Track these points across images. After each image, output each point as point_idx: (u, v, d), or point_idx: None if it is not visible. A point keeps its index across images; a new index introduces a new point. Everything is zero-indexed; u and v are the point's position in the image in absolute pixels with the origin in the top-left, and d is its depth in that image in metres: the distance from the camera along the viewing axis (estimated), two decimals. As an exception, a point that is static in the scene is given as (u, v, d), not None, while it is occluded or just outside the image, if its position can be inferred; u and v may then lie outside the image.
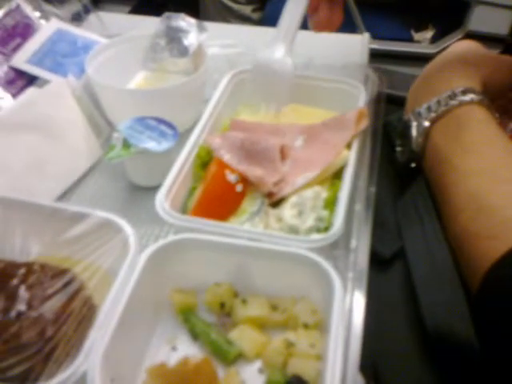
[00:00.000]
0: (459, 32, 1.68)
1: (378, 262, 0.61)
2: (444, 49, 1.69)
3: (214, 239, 0.54)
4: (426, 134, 0.66)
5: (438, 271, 0.59)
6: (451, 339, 0.53)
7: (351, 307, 0.52)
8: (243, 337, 0.53)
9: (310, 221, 0.60)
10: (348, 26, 1.28)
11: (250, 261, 0.55)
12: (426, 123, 0.66)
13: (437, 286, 0.58)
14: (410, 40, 1.72)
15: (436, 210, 0.64)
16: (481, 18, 1.64)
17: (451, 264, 0.59)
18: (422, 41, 1.76)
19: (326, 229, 0.59)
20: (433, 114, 0.65)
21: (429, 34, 1.76)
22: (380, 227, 0.63)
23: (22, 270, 0.51)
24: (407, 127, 0.68)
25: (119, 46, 0.83)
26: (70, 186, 0.72)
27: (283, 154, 0.65)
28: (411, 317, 0.57)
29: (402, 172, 0.72)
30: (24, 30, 0.80)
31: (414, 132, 0.67)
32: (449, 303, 0.56)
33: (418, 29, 1.75)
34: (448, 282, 0.58)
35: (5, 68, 0.77)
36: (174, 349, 0.53)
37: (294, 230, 0.59)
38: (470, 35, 1.62)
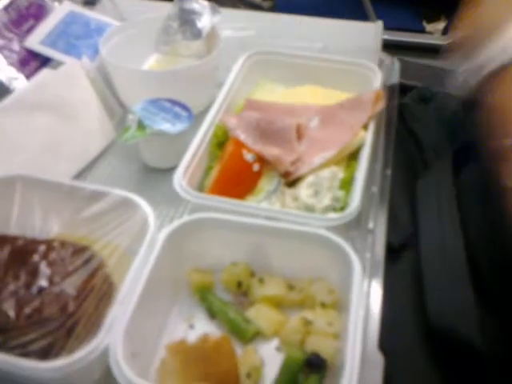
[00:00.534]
0: (472, 24, 1.66)
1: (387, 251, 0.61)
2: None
3: (232, 218, 0.54)
4: None
5: (449, 264, 0.59)
6: (455, 339, 0.53)
7: (369, 287, 0.52)
8: (260, 315, 0.53)
9: (326, 200, 0.60)
10: (360, 17, 1.27)
11: (268, 240, 0.55)
12: None
13: (446, 281, 0.58)
14: (422, 31, 1.70)
15: (458, 199, 0.63)
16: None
17: (464, 258, 0.59)
18: (433, 32, 1.75)
19: (342, 209, 0.59)
20: None
21: (441, 25, 1.75)
22: (390, 213, 0.63)
23: (43, 247, 0.51)
24: None
25: (132, 29, 0.83)
26: (84, 167, 0.72)
27: (299, 133, 0.65)
28: (417, 309, 0.57)
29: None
30: (37, 12, 0.80)
31: None
32: (456, 301, 0.55)
33: (430, 20, 1.74)
34: (458, 277, 0.58)
35: (18, 49, 0.77)
36: (191, 327, 0.54)
37: (309, 209, 0.60)
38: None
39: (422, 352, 0.54)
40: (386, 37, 0.95)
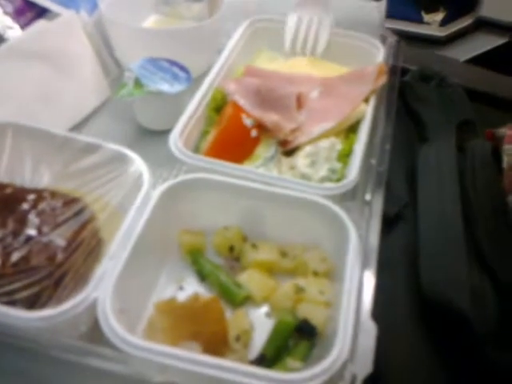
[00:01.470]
0: (469, 17, 1.66)
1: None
2: (453, 33, 1.68)
3: (228, 180, 0.53)
4: None
5: (446, 232, 0.59)
6: (446, 306, 0.53)
7: (364, 257, 0.51)
8: (251, 280, 0.52)
9: (322, 171, 0.59)
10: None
11: (263, 205, 0.54)
12: None
13: (441, 248, 0.58)
14: (420, 21, 1.69)
15: (460, 174, 0.63)
16: (493, 5, 1.62)
17: (461, 227, 0.59)
18: (431, 23, 1.73)
19: (338, 180, 0.59)
20: None
21: (439, 16, 1.74)
22: (386, 188, 0.62)
23: (32, 196, 0.49)
24: None
25: (132, -14, 0.81)
26: (78, 123, 0.70)
27: (299, 102, 0.64)
28: (410, 279, 0.57)
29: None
30: (36, -39, 0.77)
31: None
32: (450, 269, 0.55)
33: (429, 10, 1.73)
34: (454, 245, 0.58)
35: (14, -2, 0.74)
36: (181, 288, 0.53)
37: (306, 179, 0.59)
38: (481, 21, 1.61)
39: (414, 322, 0.54)
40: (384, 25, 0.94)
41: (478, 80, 0.96)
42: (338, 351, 0.42)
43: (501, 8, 1.60)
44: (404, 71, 0.84)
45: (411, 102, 0.80)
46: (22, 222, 0.47)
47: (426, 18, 1.76)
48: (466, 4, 1.66)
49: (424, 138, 0.74)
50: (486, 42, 1.64)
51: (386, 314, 0.52)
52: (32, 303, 0.43)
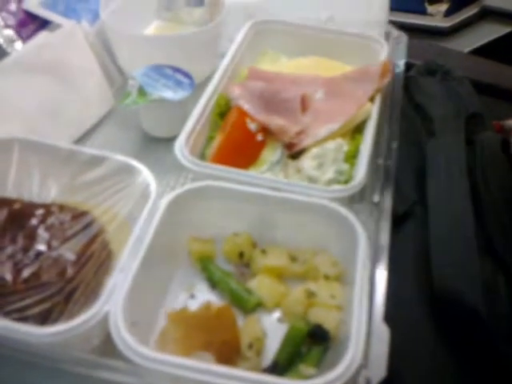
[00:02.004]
0: (474, 6, 1.64)
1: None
2: (457, 23, 1.66)
3: (235, 187, 0.53)
4: None
5: (457, 227, 0.59)
6: (458, 303, 0.52)
7: (374, 259, 0.51)
8: (262, 286, 0.52)
9: (329, 173, 0.59)
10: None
11: (271, 211, 0.54)
12: None
13: (452, 245, 0.58)
14: (424, 13, 1.68)
15: (469, 168, 0.62)
16: (497, -6, 1.61)
17: (472, 226, 0.58)
18: (435, 14, 1.72)
19: (346, 182, 0.58)
20: None
21: (443, 7, 1.73)
22: (395, 186, 0.62)
23: (41, 211, 0.50)
24: None
25: (133, -6, 0.81)
26: (83, 134, 0.71)
27: (304, 104, 0.63)
28: (420, 278, 0.57)
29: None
30: (36, -27, 0.77)
31: None
32: (461, 265, 0.55)
33: (432, 1, 1.72)
34: (464, 240, 0.57)
35: (16, 11, 0.75)
36: (192, 296, 0.53)
37: (313, 182, 0.58)
38: (486, 10, 1.59)
39: (427, 319, 0.54)
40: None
41: (483, 71, 0.95)
42: (352, 356, 0.41)
43: (505, -3, 1.58)
44: (408, 66, 0.84)
45: (417, 97, 0.79)
46: (32, 237, 0.47)
47: (430, 9, 1.75)
48: (470, -7, 1.65)
49: (431, 132, 0.74)
50: (491, 32, 1.62)
51: (398, 313, 0.52)
52: (44, 319, 0.43)
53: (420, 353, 0.52)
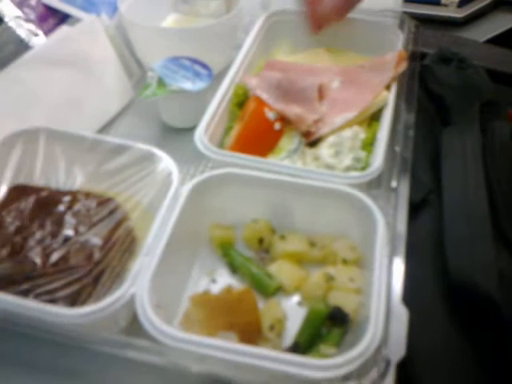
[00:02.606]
0: (489, -4, 1.63)
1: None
2: (471, 14, 1.65)
3: (255, 174, 0.54)
4: None
5: (472, 216, 0.59)
6: (474, 292, 0.53)
7: (392, 243, 0.52)
8: (282, 271, 0.53)
9: (347, 160, 0.60)
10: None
11: (290, 197, 0.55)
12: None
13: (467, 233, 0.58)
14: (438, 3, 1.67)
15: (484, 156, 0.62)
16: (511, -17, 1.59)
17: (487, 211, 0.59)
18: (449, 4, 1.71)
19: (363, 169, 0.59)
20: None
21: (457, -3, 1.71)
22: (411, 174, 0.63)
23: (67, 198, 0.51)
24: None
25: (151, -13, 0.82)
26: (105, 124, 0.72)
27: (321, 93, 0.64)
28: (437, 265, 0.58)
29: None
30: (55, -32, 0.79)
31: None
32: (477, 255, 0.56)
33: (446, -8, 1.71)
34: (480, 230, 0.58)
35: (36, 5, 0.76)
36: (213, 281, 0.54)
37: (330, 169, 0.59)
38: (499, 0, 1.58)
39: (443, 306, 0.55)
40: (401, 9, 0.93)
41: (498, 60, 0.95)
42: (371, 336, 0.42)
43: (519, -14, 1.57)
44: (423, 55, 0.84)
45: (432, 86, 0.79)
46: (59, 223, 0.49)
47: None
48: (484, -16, 1.64)
49: (447, 121, 0.74)
50: (505, 22, 1.61)
51: (415, 299, 0.53)
52: (73, 301, 0.44)
53: (435, 336, 0.53)
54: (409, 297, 0.49)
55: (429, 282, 0.57)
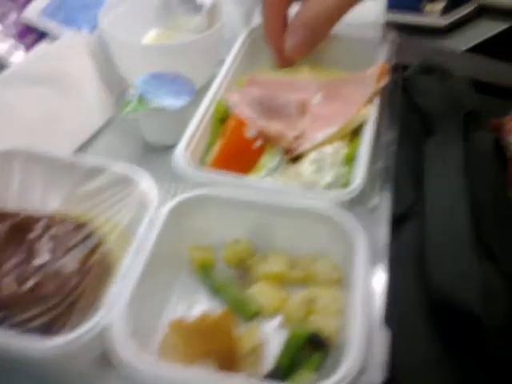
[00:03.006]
0: (471, 4, 1.64)
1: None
2: (454, 21, 1.66)
3: (234, 194, 0.54)
4: None
5: (454, 229, 0.59)
6: (456, 307, 0.53)
7: (373, 263, 0.51)
8: (262, 292, 0.53)
9: (329, 177, 0.59)
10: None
11: (271, 217, 0.54)
12: None
13: (448, 247, 0.58)
14: (421, 11, 1.68)
15: (466, 167, 0.62)
16: (494, -10, 1.60)
17: (469, 224, 0.59)
18: (431, 12, 1.72)
19: (345, 185, 0.58)
20: None
21: (440, 4, 1.72)
22: (393, 186, 0.62)
23: (43, 222, 0.50)
24: None
25: (133, 2, 0.81)
26: (83, 143, 0.71)
27: (302, 109, 0.64)
28: (419, 279, 0.57)
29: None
30: (35, -16, 0.78)
31: None
32: (459, 268, 0.55)
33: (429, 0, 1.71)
34: (461, 243, 0.58)
35: (16, 21, 0.75)
36: (193, 304, 0.53)
37: (313, 186, 0.59)
38: (482, 7, 1.59)
39: (426, 321, 0.54)
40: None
41: (481, 70, 0.95)
42: (352, 361, 0.42)
43: (501, -7, 1.58)
44: (405, 66, 0.84)
45: (415, 97, 0.79)
46: (33, 249, 0.48)
47: (426, 7, 1.74)
48: (467, -10, 1.64)
49: (430, 132, 0.74)
50: (488, 29, 1.62)
51: (397, 314, 0.52)
52: (46, 330, 0.43)
53: (418, 353, 0.53)
54: (391, 313, 0.49)
55: (411, 297, 0.57)
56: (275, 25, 0.67)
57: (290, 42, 0.65)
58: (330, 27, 0.65)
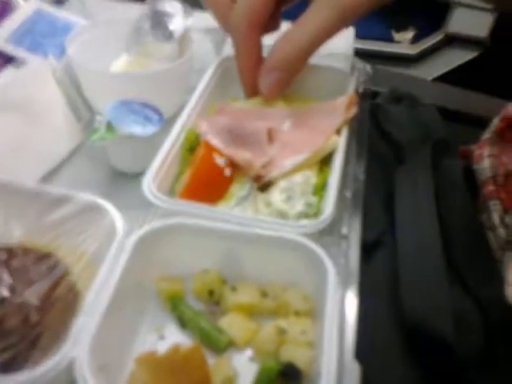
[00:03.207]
0: (439, 33, 1.68)
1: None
2: (424, 50, 1.70)
3: (204, 224, 0.53)
4: None
5: (425, 258, 0.59)
6: (428, 334, 0.53)
7: (344, 294, 0.51)
8: (233, 324, 0.52)
9: (299, 206, 0.59)
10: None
11: (241, 247, 0.54)
12: None
13: (420, 275, 0.58)
14: (391, 40, 1.71)
15: (436, 194, 0.63)
16: (461, 20, 1.65)
17: (440, 254, 0.59)
18: (402, 41, 1.76)
19: (316, 214, 0.58)
20: None
21: (409, 34, 1.77)
22: (364, 214, 0.63)
23: (4, 254, 0.49)
24: None
25: (101, 28, 0.81)
26: (50, 170, 0.70)
27: (271, 136, 0.64)
28: (392, 307, 0.57)
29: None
30: (2, 9, 0.77)
31: None
32: (431, 295, 0.55)
33: (399, 29, 1.76)
34: (434, 270, 0.58)
35: (-19, 47, 0.74)
36: (162, 337, 0.52)
37: (283, 215, 0.58)
38: (450, 37, 1.64)
39: (400, 350, 0.54)
40: (355, 45, 0.95)
41: (449, 98, 0.98)
42: (323, 395, 0.41)
43: (469, 23, 1.63)
44: (375, 94, 0.85)
45: (384, 124, 0.80)
46: (-5, 281, 0.46)
47: (397, 36, 1.79)
48: (435, 21, 1.69)
49: (399, 159, 0.75)
50: (457, 57, 1.66)
51: (370, 344, 0.52)
52: (7, 367, 0.42)
53: (390, 381, 0.52)
54: (364, 345, 0.48)
55: (385, 324, 0.57)
56: (248, 61, 0.67)
57: (265, 83, 0.65)
58: (304, 64, 0.65)
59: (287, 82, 0.66)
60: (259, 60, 0.66)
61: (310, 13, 0.61)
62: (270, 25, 0.68)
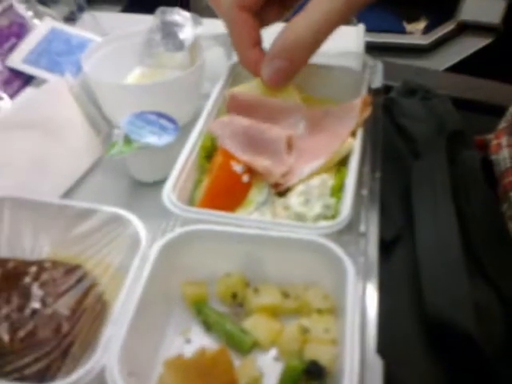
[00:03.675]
0: (451, 22, 1.67)
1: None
2: (436, 40, 1.68)
3: (224, 229, 0.54)
4: None
5: (445, 252, 0.60)
6: (452, 329, 0.53)
7: (364, 291, 0.52)
8: (257, 326, 0.53)
9: (316, 208, 0.60)
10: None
11: (261, 250, 0.55)
12: None
13: (441, 270, 0.58)
14: (403, 31, 1.71)
15: (454, 188, 0.63)
16: (473, 8, 1.64)
17: (460, 248, 0.59)
18: (414, 32, 1.75)
19: (333, 216, 0.59)
20: None
21: (421, 25, 1.76)
22: (382, 212, 0.63)
23: (34, 268, 0.51)
24: None
25: (115, 43, 0.83)
26: (72, 185, 0.72)
27: (289, 145, 0.64)
28: (413, 303, 0.58)
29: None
30: (18, 30, 0.79)
31: None
32: (453, 291, 0.56)
33: (411, 20, 1.75)
34: (454, 265, 0.58)
35: (1, 68, 0.76)
36: (188, 341, 0.53)
37: (301, 218, 0.59)
38: (463, 25, 1.62)
39: (422, 345, 0.54)
40: (367, 39, 0.95)
41: (462, 88, 0.97)
42: (347, 391, 0.42)
43: (481, 10, 1.62)
44: (388, 88, 0.85)
45: (398, 118, 0.80)
46: (26, 295, 0.48)
47: (409, 27, 1.78)
48: (447, 10, 1.69)
49: (415, 153, 0.75)
50: (469, 46, 1.65)
51: (392, 340, 0.53)
52: (42, 376, 0.43)
53: (414, 377, 0.53)
54: (386, 337, 0.49)
55: (407, 321, 0.57)
56: (241, 42, 0.65)
57: (266, 71, 0.64)
58: (309, 56, 0.63)
59: (290, 72, 0.64)
60: (255, 41, 0.65)
61: (316, 1, 0.60)
62: (272, 14, 0.67)
